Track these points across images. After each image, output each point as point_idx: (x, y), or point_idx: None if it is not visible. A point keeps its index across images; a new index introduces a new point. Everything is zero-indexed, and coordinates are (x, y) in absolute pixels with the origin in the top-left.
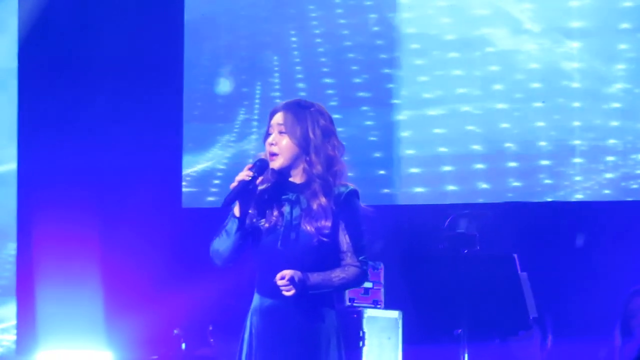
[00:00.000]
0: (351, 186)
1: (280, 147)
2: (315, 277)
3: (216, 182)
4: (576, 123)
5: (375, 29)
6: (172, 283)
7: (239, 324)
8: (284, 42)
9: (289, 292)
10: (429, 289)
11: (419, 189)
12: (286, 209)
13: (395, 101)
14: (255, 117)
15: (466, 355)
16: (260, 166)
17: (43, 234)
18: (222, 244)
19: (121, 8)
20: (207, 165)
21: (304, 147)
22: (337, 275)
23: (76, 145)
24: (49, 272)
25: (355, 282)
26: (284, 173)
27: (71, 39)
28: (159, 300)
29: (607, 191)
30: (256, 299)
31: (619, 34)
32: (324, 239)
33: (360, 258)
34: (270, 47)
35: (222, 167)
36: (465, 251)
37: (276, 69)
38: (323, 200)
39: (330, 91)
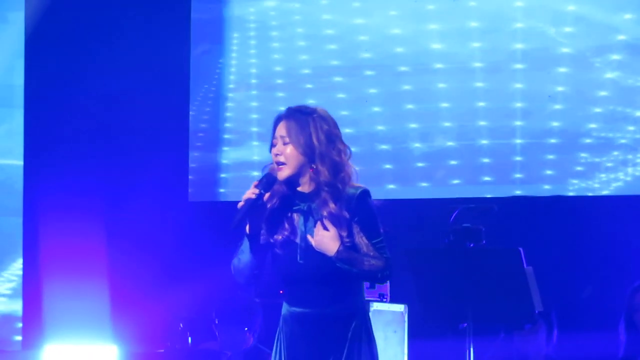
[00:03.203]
0: (361, 187)
1: (286, 156)
2: (349, 252)
3: (223, 175)
4: (582, 117)
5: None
6: (178, 277)
7: (244, 318)
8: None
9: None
10: (434, 283)
11: (424, 184)
12: (299, 220)
13: (405, 92)
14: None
15: (472, 349)
16: (267, 182)
17: (50, 229)
18: (241, 263)
19: (130, 5)
20: (213, 159)
21: (309, 155)
22: (369, 260)
23: (83, 140)
24: (55, 266)
25: (381, 274)
26: (292, 183)
27: (78, 36)
28: (164, 294)
29: (613, 185)
30: (285, 307)
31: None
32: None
33: (384, 256)
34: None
35: (228, 162)
36: (471, 245)
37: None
38: (333, 207)
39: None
